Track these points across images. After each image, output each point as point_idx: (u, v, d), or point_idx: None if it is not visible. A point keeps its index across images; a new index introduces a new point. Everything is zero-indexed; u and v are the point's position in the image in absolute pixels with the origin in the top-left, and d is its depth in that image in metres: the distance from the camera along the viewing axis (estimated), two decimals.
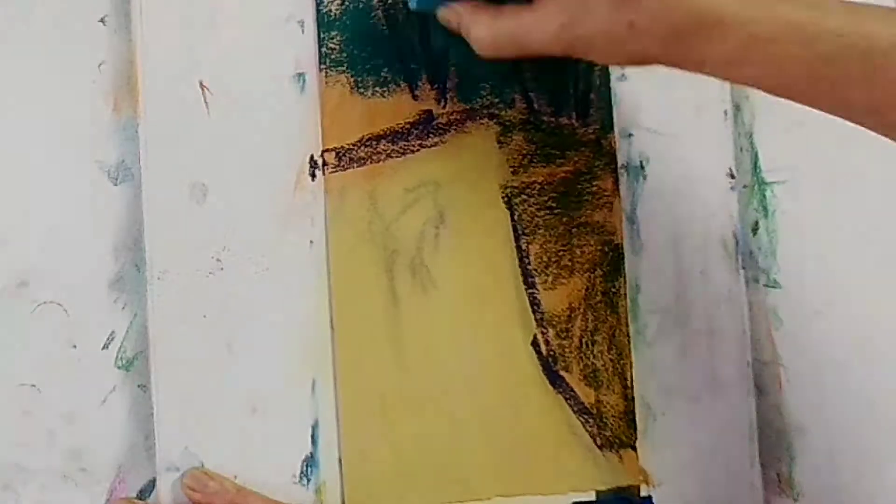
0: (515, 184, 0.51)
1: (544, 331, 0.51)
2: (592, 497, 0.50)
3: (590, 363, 0.51)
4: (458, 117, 0.50)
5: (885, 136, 0.43)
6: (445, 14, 0.48)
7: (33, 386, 0.44)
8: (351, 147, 0.48)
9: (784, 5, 0.41)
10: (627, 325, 0.52)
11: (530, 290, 0.50)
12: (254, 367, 0.46)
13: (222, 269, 0.46)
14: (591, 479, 0.51)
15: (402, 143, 0.49)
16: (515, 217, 0.51)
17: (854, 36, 0.40)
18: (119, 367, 0.45)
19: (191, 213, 0.46)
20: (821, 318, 0.55)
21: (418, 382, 0.48)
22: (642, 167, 0.53)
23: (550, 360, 0.51)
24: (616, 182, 0.52)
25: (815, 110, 0.57)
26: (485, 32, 0.46)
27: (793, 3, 0.41)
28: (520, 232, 0.51)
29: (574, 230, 0.51)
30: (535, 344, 0.50)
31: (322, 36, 0.48)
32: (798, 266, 0.55)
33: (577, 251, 0.51)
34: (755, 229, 0.55)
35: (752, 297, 0.55)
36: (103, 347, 0.45)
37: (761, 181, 0.56)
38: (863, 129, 0.58)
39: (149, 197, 0.45)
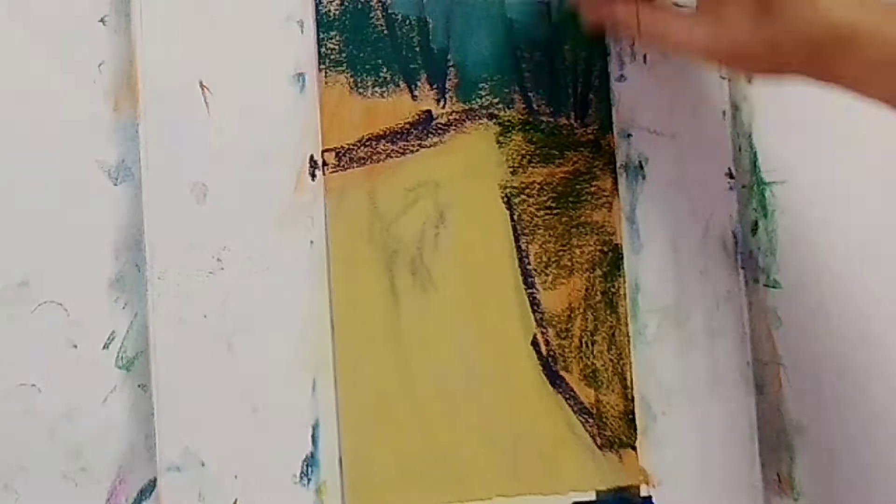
0: (515, 184, 0.51)
1: (544, 331, 0.51)
2: (592, 497, 0.50)
3: (590, 363, 0.51)
4: (458, 117, 0.50)
5: None
6: (593, 10, 0.50)
7: (34, 385, 0.44)
8: (351, 147, 0.48)
9: None
10: (627, 325, 0.52)
11: (530, 290, 0.50)
12: (254, 367, 0.46)
13: (222, 268, 0.46)
14: (591, 479, 0.50)
15: (401, 143, 0.49)
16: (515, 217, 0.51)
17: None
18: (119, 367, 0.45)
19: (191, 213, 0.46)
20: (821, 318, 0.55)
21: (418, 382, 0.48)
22: (641, 167, 0.53)
23: (550, 359, 0.51)
24: (615, 182, 0.52)
25: (814, 111, 0.57)
26: (633, 25, 0.48)
27: None
28: (519, 232, 0.51)
29: (573, 230, 0.52)
30: (534, 344, 0.50)
31: (321, 36, 0.48)
32: (798, 266, 0.55)
33: (577, 251, 0.51)
34: (755, 229, 0.55)
35: (751, 297, 0.55)
36: (104, 347, 0.45)
37: (760, 181, 0.56)
38: (863, 129, 0.58)
39: (149, 197, 0.45)
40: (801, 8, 0.43)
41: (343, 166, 0.48)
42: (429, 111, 0.50)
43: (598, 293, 0.52)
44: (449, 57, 0.50)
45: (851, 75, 0.44)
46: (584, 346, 0.51)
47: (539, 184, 0.51)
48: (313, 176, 0.48)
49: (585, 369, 0.51)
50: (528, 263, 0.51)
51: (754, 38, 0.45)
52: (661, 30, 0.48)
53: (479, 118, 0.50)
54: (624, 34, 0.51)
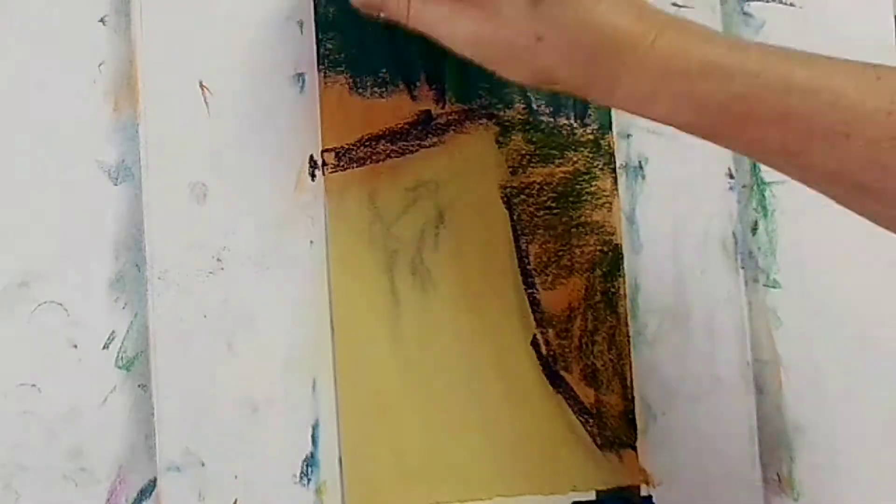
0: (514, 184, 0.51)
1: (544, 331, 0.51)
2: (592, 497, 0.50)
3: (590, 363, 0.51)
4: (457, 117, 0.50)
5: (799, 179, 0.42)
6: None
7: (34, 385, 0.44)
8: (350, 147, 0.48)
9: (703, 44, 0.40)
10: (627, 325, 0.52)
11: (530, 290, 0.51)
12: (254, 367, 0.46)
13: (222, 268, 0.46)
14: (591, 479, 0.50)
15: (401, 144, 0.49)
16: (515, 217, 0.51)
17: (771, 75, 0.39)
18: (119, 367, 0.45)
19: (191, 213, 0.46)
20: (821, 317, 0.55)
21: (418, 382, 0.48)
22: (641, 167, 0.53)
23: (550, 360, 0.51)
24: (615, 182, 0.52)
25: None
26: (403, 8, 0.44)
27: (713, 42, 0.40)
28: (519, 232, 0.51)
29: (573, 230, 0.52)
30: (534, 344, 0.50)
31: (321, 36, 0.48)
32: (798, 266, 0.55)
33: (577, 251, 0.51)
34: (754, 229, 0.55)
35: (751, 297, 0.55)
36: (104, 347, 0.45)
37: (760, 181, 0.56)
38: None
39: (149, 197, 0.45)
40: (575, 9, 0.39)
41: (343, 166, 0.48)
42: (428, 111, 0.50)
43: (598, 293, 0.52)
44: (449, 57, 0.50)
45: (632, 91, 0.40)
46: (584, 346, 0.51)
47: (539, 184, 0.51)
48: (313, 176, 0.48)
49: (585, 369, 0.51)
50: (528, 263, 0.51)
51: (519, 38, 0.40)
52: (428, 17, 0.43)
53: (479, 118, 0.50)
54: (394, 19, 0.45)
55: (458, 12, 0.42)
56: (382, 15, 0.45)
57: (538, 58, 0.40)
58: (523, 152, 0.51)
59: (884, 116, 0.38)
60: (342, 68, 0.48)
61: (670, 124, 0.41)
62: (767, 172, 0.56)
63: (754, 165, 0.56)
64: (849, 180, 0.40)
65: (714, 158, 0.54)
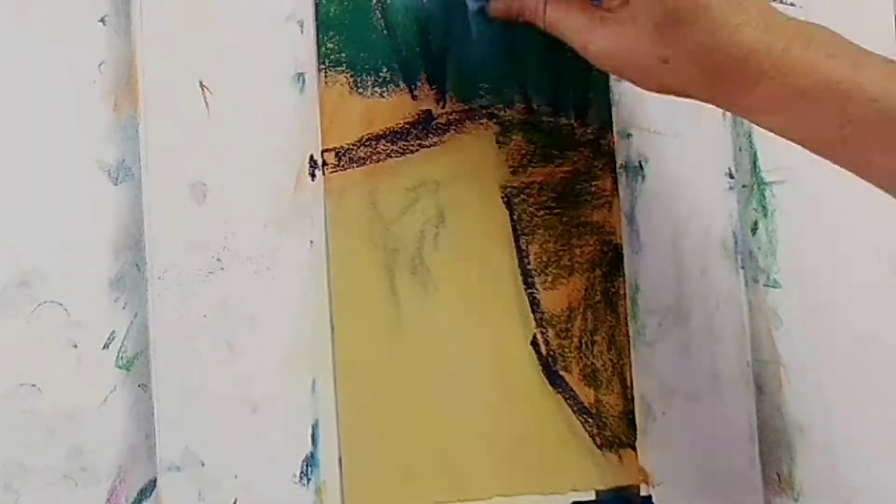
0: (515, 184, 0.51)
1: (544, 331, 0.51)
2: (592, 497, 0.50)
3: (589, 363, 0.51)
4: (458, 117, 0.50)
5: None
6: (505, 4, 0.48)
7: (34, 385, 0.44)
8: (351, 147, 0.48)
9: (827, 59, 0.40)
10: (627, 325, 0.52)
11: (530, 290, 0.51)
12: (254, 366, 0.46)
13: (222, 268, 0.46)
14: (591, 479, 0.51)
15: (401, 143, 0.49)
16: (515, 217, 0.51)
17: (888, 102, 0.39)
18: (119, 367, 0.45)
19: (191, 213, 0.46)
20: (821, 317, 0.55)
21: (418, 382, 0.48)
22: (641, 167, 0.53)
23: (550, 359, 0.51)
24: (615, 182, 0.52)
25: None
26: (540, 17, 0.46)
27: (838, 57, 0.40)
28: (519, 232, 0.51)
29: (573, 230, 0.52)
30: (534, 344, 0.50)
31: (321, 36, 0.48)
32: (798, 266, 0.55)
33: (577, 251, 0.51)
34: (755, 229, 0.55)
35: (751, 297, 0.55)
36: (104, 347, 0.45)
37: (760, 181, 0.56)
38: None
39: (149, 196, 0.45)
40: (700, 29, 0.40)
41: (343, 166, 0.48)
42: (429, 111, 0.50)
43: (598, 293, 0.52)
44: (449, 56, 0.50)
45: (752, 104, 0.41)
46: (583, 346, 0.51)
47: (539, 184, 0.51)
48: (313, 176, 0.48)
49: (585, 369, 0.51)
50: (528, 263, 0.51)
51: (650, 56, 0.42)
52: (564, 24, 0.45)
53: (479, 118, 0.50)
54: (531, 24, 0.47)
55: (592, 26, 0.44)
56: (521, 20, 0.48)
57: (666, 77, 0.42)
58: (523, 152, 0.51)
59: None
60: (343, 68, 0.48)
61: (784, 137, 0.43)
62: (768, 172, 0.56)
63: (754, 165, 0.56)
64: None
65: (714, 158, 0.54)
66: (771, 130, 0.43)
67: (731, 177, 0.54)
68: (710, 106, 0.54)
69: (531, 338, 0.50)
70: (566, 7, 0.45)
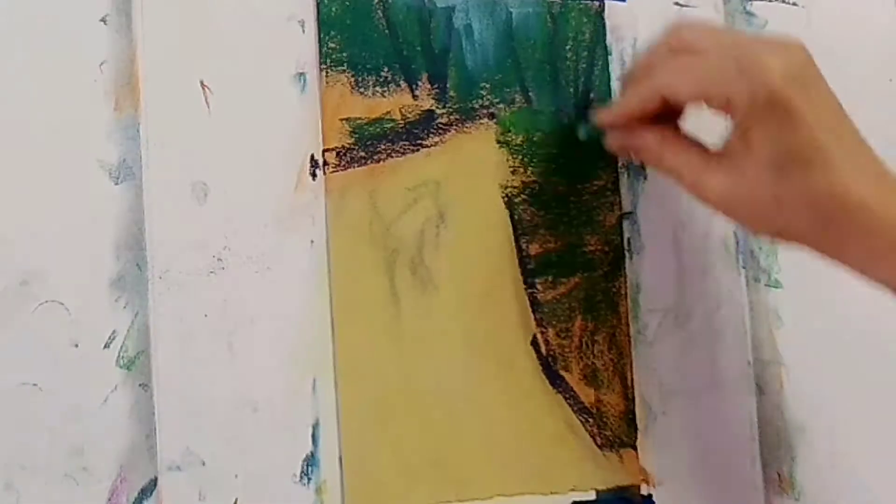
0: (515, 183, 0.51)
1: (544, 330, 0.51)
2: (592, 497, 0.51)
3: (590, 363, 0.51)
4: (458, 117, 0.50)
5: None
6: (620, 138, 0.48)
7: (35, 385, 0.44)
8: (351, 147, 0.48)
9: None
10: (627, 325, 0.52)
11: (530, 290, 0.51)
12: (254, 366, 0.46)
13: (223, 268, 0.46)
14: (591, 479, 0.51)
15: (402, 143, 0.49)
16: (515, 217, 0.51)
17: None
18: (120, 367, 0.45)
19: (192, 213, 0.46)
20: (821, 317, 0.55)
21: (418, 382, 0.49)
22: (642, 167, 0.53)
23: (550, 359, 0.51)
24: (616, 182, 0.52)
25: None
26: (657, 155, 0.47)
27: None
28: (519, 232, 0.51)
29: (574, 230, 0.52)
30: (534, 343, 0.51)
31: (323, 36, 0.48)
32: (798, 266, 0.55)
33: (577, 251, 0.52)
34: None
35: (752, 297, 0.55)
36: (105, 346, 0.45)
37: None
38: (863, 129, 0.58)
39: (150, 196, 0.45)
40: (816, 173, 0.41)
41: (343, 166, 0.48)
42: (430, 111, 0.50)
43: (599, 293, 0.52)
44: (450, 56, 0.50)
45: (861, 253, 0.42)
46: (584, 345, 0.51)
47: (539, 184, 0.51)
48: (314, 175, 0.48)
49: (586, 369, 0.51)
50: (529, 263, 0.51)
51: (764, 196, 0.42)
52: (678, 165, 0.46)
53: (480, 118, 0.50)
54: (646, 162, 0.50)
55: (706, 168, 0.44)
56: (636, 159, 0.50)
57: (777, 219, 0.43)
58: (523, 152, 0.51)
59: None
60: (344, 67, 0.48)
61: (889, 289, 0.43)
62: None
63: None
64: None
65: None
66: (878, 283, 0.43)
67: None
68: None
69: (531, 338, 0.50)
70: (682, 148, 0.46)
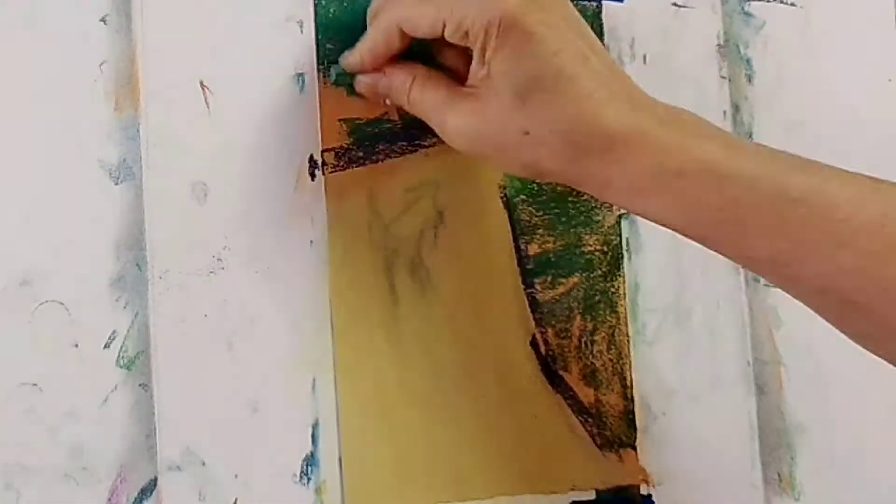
0: (514, 184, 0.51)
1: (543, 330, 0.51)
2: (592, 496, 0.50)
3: (589, 363, 0.51)
4: None
5: (788, 291, 0.41)
6: (368, 77, 0.46)
7: (35, 385, 0.44)
8: (350, 147, 0.48)
9: (700, 140, 0.39)
10: (626, 325, 0.52)
11: (529, 290, 0.51)
12: (254, 366, 0.46)
13: (223, 268, 0.46)
14: (591, 479, 0.51)
15: (400, 144, 0.49)
16: (514, 217, 0.51)
17: (766, 181, 0.38)
18: (120, 367, 0.45)
19: (192, 213, 0.46)
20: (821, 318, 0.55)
21: (418, 382, 0.49)
22: None
23: (549, 359, 0.51)
24: None
25: (814, 111, 0.57)
26: (404, 94, 0.44)
27: (710, 139, 0.39)
28: (518, 232, 0.51)
29: (573, 230, 0.52)
30: (533, 344, 0.51)
31: (321, 36, 0.48)
32: None
33: (576, 251, 0.52)
34: None
35: (752, 297, 0.55)
36: (105, 346, 0.45)
37: None
38: (863, 129, 0.58)
39: (150, 196, 0.45)
40: (564, 101, 0.38)
41: (343, 166, 0.48)
42: None
43: (598, 293, 0.52)
44: None
45: (623, 185, 0.39)
46: (583, 345, 0.51)
47: (538, 183, 0.51)
48: (313, 176, 0.48)
49: (585, 369, 0.51)
50: (527, 263, 0.51)
51: (510, 130, 0.40)
52: (424, 105, 0.43)
53: None
54: (397, 104, 0.46)
55: (451, 104, 0.42)
56: (388, 101, 0.46)
57: (525, 152, 0.40)
58: None
59: (877, 228, 0.38)
60: (342, 68, 0.48)
61: (660, 223, 0.41)
62: None
63: None
64: (838, 295, 0.39)
65: None
66: (645, 215, 0.41)
67: None
68: (709, 106, 0.55)
69: (530, 338, 0.50)
70: (431, 86, 0.43)
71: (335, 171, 0.48)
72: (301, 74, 0.48)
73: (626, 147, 0.38)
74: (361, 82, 0.47)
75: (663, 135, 0.39)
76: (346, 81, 0.48)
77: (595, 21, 0.53)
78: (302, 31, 0.48)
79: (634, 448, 0.52)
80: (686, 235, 0.41)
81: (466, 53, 0.42)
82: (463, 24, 0.40)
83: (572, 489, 0.50)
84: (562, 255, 0.51)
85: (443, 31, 0.41)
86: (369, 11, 0.46)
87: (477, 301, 0.50)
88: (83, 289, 0.44)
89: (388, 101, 0.47)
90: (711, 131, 0.40)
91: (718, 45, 0.55)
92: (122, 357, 0.45)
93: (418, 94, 0.44)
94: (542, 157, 0.40)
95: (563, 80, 0.39)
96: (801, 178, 0.39)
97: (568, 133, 0.39)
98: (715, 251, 0.41)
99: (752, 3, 0.57)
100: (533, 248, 0.51)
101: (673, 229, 0.41)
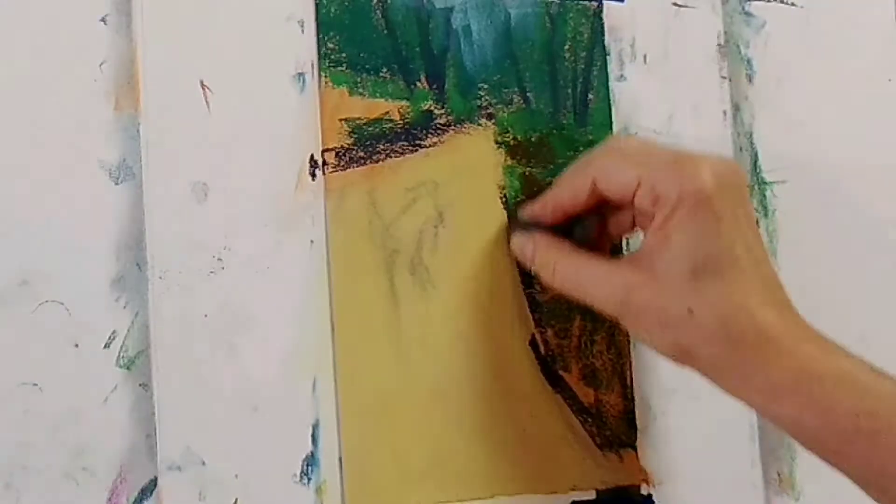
0: (514, 184, 0.51)
1: (543, 330, 0.51)
2: (592, 496, 0.50)
3: (589, 363, 0.51)
4: (457, 117, 0.50)
5: None
6: (521, 240, 0.47)
7: (35, 385, 0.44)
8: (351, 147, 0.48)
9: (841, 355, 0.40)
10: None
11: (529, 290, 0.51)
12: (254, 366, 0.46)
13: (223, 268, 0.46)
14: (591, 479, 0.50)
15: (401, 143, 0.49)
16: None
17: None
18: (120, 367, 0.45)
19: (192, 213, 0.46)
20: (821, 317, 0.55)
21: (418, 382, 0.49)
22: None
23: (549, 359, 0.51)
24: None
25: (814, 111, 0.57)
26: (550, 266, 0.45)
27: (850, 357, 0.40)
28: None
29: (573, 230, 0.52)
30: (533, 344, 0.51)
31: (322, 36, 0.48)
32: (798, 265, 0.55)
33: None
34: None
35: None
36: (105, 346, 0.45)
37: (761, 181, 0.56)
38: (863, 129, 0.58)
39: (150, 196, 0.45)
40: (733, 293, 0.40)
41: (343, 166, 0.48)
42: (428, 111, 0.50)
43: None
44: (448, 57, 0.50)
45: (765, 383, 0.40)
46: (583, 345, 0.51)
47: (538, 184, 0.51)
48: (313, 176, 0.48)
49: (585, 369, 0.51)
50: None
51: (672, 308, 0.40)
52: (576, 271, 0.44)
53: (478, 118, 0.50)
54: (541, 276, 0.47)
55: (612, 275, 0.43)
56: (532, 270, 0.47)
57: (684, 331, 0.41)
58: (522, 152, 0.51)
59: None
60: (343, 68, 0.48)
61: (793, 432, 0.41)
62: (768, 172, 0.56)
63: (754, 165, 0.56)
64: None
65: None
66: (778, 419, 0.42)
67: None
68: (710, 106, 0.55)
69: (530, 338, 0.50)
70: (583, 256, 0.45)
71: (335, 171, 0.48)
72: (301, 74, 0.48)
73: (776, 346, 0.40)
74: (515, 239, 0.48)
75: (808, 342, 0.40)
76: (347, 81, 0.48)
77: (595, 21, 0.53)
78: (303, 31, 0.48)
79: (634, 448, 0.52)
80: (818, 448, 0.41)
81: (601, 228, 0.46)
82: (657, 189, 0.41)
83: (572, 489, 0.50)
84: None
85: (634, 192, 0.42)
86: (566, 169, 0.47)
87: (477, 301, 0.50)
88: (83, 289, 0.44)
89: (533, 269, 0.47)
90: (848, 350, 0.42)
91: (719, 45, 0.55)
92: (122, 357, 0.45)
93: (566, 263, 0.45)
94: (699, 339, 0.41)
95: (736, 269, 0.40)
96: None
97: (729, 321, 0.40)
98: (841, 469, 0.41)
99: (753, 3, 0.57)
100: None
101: (805, 441, 0.42)
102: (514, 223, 0.49)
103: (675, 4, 0.55)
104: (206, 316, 0.46)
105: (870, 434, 0.39)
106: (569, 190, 0.46)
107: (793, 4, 0.58)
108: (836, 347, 0.41)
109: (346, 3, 0.49)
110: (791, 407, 0.40)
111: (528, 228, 0.48)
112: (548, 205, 0.47)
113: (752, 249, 0.41)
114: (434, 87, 0.50)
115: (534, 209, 0.48)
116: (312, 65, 0.48)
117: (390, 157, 0.49)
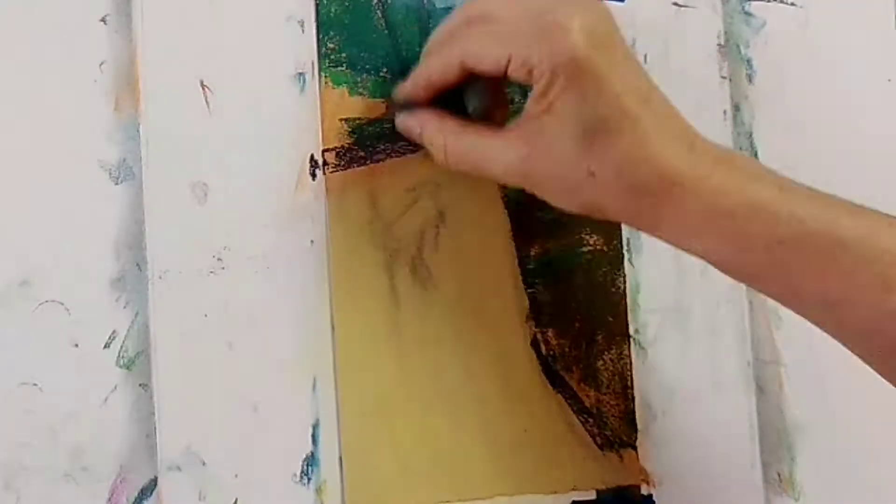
0: None
1: (543, 331, 0.51)
2: (592, 496, 0.51)
3: (590, 363, 0.51)
4: None
5: (834, 334, 0.41)
6: (406, 121, 0.47)
7: (35, 385, 0.44)
8: (351, 147, 0.48)
9: (752, 183, 0.40)
10: (627, 325, 0.52)
11: (530, 290, 0.51)
12: (254, 366, 0.46)
13: (223, 268, 0.46)
14: (592, 479, 0.51)
15: (401, 143, 0.49)
16: (515, 217, 0.51)
17: (817, 223, 0.39)
18: (120, 367, 0.45)
19: (192, 213, 0.46)
20: None
21: (418, 382, 0.49)
22: None
23: (550, 359, 0.51)
24: None
25: (814, 111, 0.57)
26: (441, 148, 0.45)
27: (762, 181, 0.40)
28: (519, 232, 0.51)
29: (573, 230, 0.52)
30: (534, 344, 0.51)
31: (322, 36, 0.48)
32: None
33: (577, 251, 0.52)
34: None
35: (752, 297, 0.55)
36: (105, 346, 0.45)
37: None
38: (863, 129, 0.58)
39: (150, 196, 0.45)
40: (629, 146, 0.39)
41: (343, 166, 0.48)
42: None
43: (598, 293, 0.52)
44: None
45: (676, 225, 0.40)
46: (584, 346, 0.51)
47: None
48: (314, 175, 0.48)
49: (585, 369, 0.51)
50: (528, 263, 0.51)
51: (574, 169, 0.40)
52: (471, 155, 0.44)
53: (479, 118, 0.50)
54: (432, 151, 0.46)
55: (505, 148, 0.42)
56: (423, 144, 0.46)
57: (588, 191, 0.41)
58: None
59: None
60: (343, 67, 0.48)
61: (710, 261, 0.41)
62: None
63: None
64: (885, 339, 0.39)
65: None
66: (697, 254, 0.42)
67: None
68: (710, 105, 0.55)
69: (531, 338, 0.50)
70: (468, 133, 0.44)
71: (336, 171, 0.48)
72: (302, 74, 0.48)
73: (681, 189, 0.39)
74: (402, 118, 0.47)
75: (717, 176, 0.39)
76: (347, 81, 0.48)
77: None
78: (303, 31, 0.48)
79: (635, 448, 0.52)
80: (735, 276, 0.42)
81: (495, 95, 0.44)
82: (529, 62, 0.40)
83: (573, 489, 0.50)
84: (562, 255, 0.51)
85: (505, 68, 0.41)
86: (429, 43, 0.46)
87: (477, 301, 0.50)
88: (83, 289, 0.44)
89: (416, 137, 0.47)
90: (764, 174, 0.41)
91: (719, 45, 0.55)
92: (122, 357, 0.45)
93: (456, 138, 0.44)
94: (604, 197, 0.41)
95: (628, 121, 0.39)
96: (851, 221, 0.39)
97: (631, 174, 0.40)
98: (763, 293, 0.42)
99: (753, 3, 0.57)
100: (533, 248, 0.51)
101: (722, 269, 0.42)
102: (392, 105, 0.48)
103: (675, 4, 0.55)
104: (206, 316, 0.46)
105: (784, 264, 0.39)
106: (438, 68, 0.44)
107: (792, 4, 0.58)
108: (752, 175, 0.40)
109: (347, 3, 0.49)
110: (704, 243, 0.40)
111: (409, 108, 0.46)
112: (419, 84, 0.46)
113: (642, 94, 0.40)
114: None
115: (406, 88, 0.47)
116: (312, 65, 0.48)
117: (391, 156, 0.49)
